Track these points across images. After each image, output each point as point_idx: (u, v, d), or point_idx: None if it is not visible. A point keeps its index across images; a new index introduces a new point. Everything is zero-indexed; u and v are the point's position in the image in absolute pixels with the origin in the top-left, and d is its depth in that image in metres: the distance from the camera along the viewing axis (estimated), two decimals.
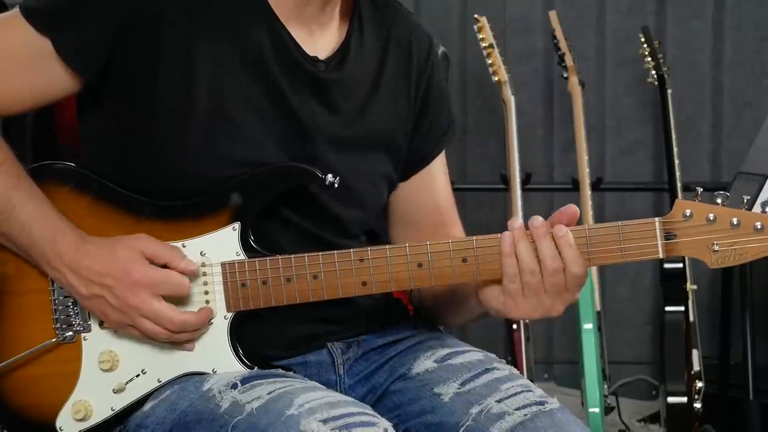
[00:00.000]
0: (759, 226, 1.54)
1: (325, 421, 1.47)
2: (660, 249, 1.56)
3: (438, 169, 1.87)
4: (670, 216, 1.56)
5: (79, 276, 1.60)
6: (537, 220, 1.56)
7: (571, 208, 1.57)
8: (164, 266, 1.61)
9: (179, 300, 1.62)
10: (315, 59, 1.69)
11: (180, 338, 1.62)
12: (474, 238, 1.60)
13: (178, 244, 1.64)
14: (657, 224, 1.56)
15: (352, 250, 1.61)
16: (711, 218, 1.55)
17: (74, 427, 1.65)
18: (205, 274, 1.64)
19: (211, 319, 1.64)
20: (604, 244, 1.56)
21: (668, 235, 1.55)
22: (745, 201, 1.55)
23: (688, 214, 1.55)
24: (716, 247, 1.55)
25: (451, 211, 1.88)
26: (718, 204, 1.55)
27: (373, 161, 1.76)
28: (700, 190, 1.57)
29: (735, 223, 1.54)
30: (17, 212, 1.61)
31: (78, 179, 1.68)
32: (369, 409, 1.55)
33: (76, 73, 1.63)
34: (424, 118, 1.82)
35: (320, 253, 1.62)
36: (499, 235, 1.57)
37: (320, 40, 1.71)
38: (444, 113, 1.86)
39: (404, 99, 1.79)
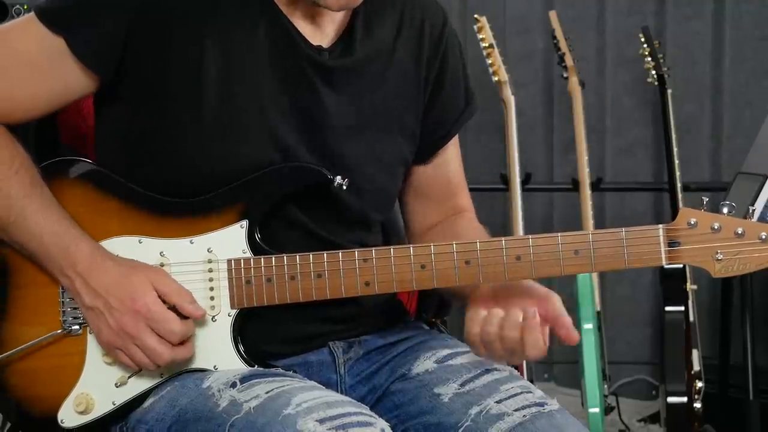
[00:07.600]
0: (764, 236, 1.54)
1: (321, 421, 1.47)
2: (663, 256, 1.55)
3: (451, 145, 1.88)
4: (674, 224, 1.56)
5: (87, 285, 1.61)
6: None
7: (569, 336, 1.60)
8: (173, 307, 1.61)
9: None
10: (319, 48, 1.69)
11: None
12: (477, 240, 1.61)
13: (186, 240, 1.65)
14: (661, 231, 1.56)
15: (356, 250, 1.62)
16: (716, 227, 1.54)
17: (75, 419, 1.66)
18: (211, 271, 1.64)
19: (214, 316, 1.65)
20: (607, 250, 1.56)
21: (672, 243, 1.55)
22: (750, 212, 1.55)
23: (692, 222, 1.55)
24: (720, 256, 1.54)
25: (461, 183, 1.92)
26: (723, 214, 1.55)
27: (387, 145, 1.76)
28: (705, 199, 1.57)
29: (740, 232, 1.54)
30: (29, 221, 1.62)
31: (91, 175, 1.68)
32: (366, 409, 1.55)
33: (91, 72, 1.63)
34: (438, 99, 1.81)
35: (325, 252, 1.62)
36: (502, 239, 1.59)
37: (325, 28, 1.71)
38: (460, 91, 1.86)
39: (414, 81, 1.78)
